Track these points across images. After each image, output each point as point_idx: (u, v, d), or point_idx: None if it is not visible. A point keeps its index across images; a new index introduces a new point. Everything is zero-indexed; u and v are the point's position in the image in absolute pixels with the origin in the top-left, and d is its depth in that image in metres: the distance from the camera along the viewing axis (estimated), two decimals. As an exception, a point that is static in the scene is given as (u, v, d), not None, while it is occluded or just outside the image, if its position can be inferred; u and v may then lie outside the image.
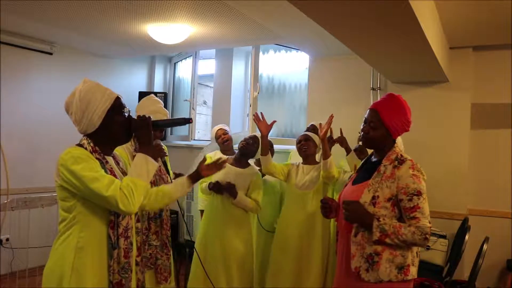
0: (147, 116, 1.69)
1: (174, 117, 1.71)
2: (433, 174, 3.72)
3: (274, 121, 2.95)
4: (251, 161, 3.71)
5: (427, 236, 1.77)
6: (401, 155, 1.90)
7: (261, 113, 2.95)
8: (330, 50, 4.12)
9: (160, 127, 1.77)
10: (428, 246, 3.57)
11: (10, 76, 4.30)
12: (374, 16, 2.22)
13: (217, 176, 3.05)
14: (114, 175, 1.61)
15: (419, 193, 1.80)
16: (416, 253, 1.88)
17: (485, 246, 2.71)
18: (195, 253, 3.14)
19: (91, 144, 1.62)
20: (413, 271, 1.83)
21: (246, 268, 3.09)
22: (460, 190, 3.74)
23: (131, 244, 1.65)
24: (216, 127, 3.78)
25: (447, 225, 3.71)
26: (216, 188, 3.02)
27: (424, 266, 3.46)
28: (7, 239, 4.19)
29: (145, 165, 1.60)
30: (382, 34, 2.55)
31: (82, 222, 1.56)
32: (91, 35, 4.30)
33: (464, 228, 3.37)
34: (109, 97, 1.63)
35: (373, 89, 4.16)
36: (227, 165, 3.11)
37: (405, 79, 3.89)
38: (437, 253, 3.54)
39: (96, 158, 1.59)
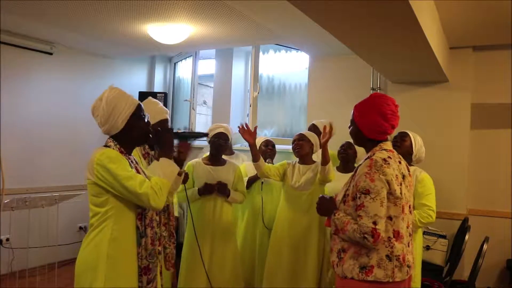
0: (170, 127, 1.94)
1: (194, 131, 1.97)
2: (433, 174, 3.73)
3: (256, 127, 3.07)
4: (246, 161, 3.71)
5: (366, 236, 1.73)
6: (374, 153, 1.88)
7: (245, 123, 3.01)
8: (330, 50, 4.12)
9: (180, 138, 2.03)
10: (428, 246, 3.57)
11: (10, 76, 4.30)
12: (374, 16, 2.22)
13: (201, 179, 3.03)
14: (138, 171, 1.81)
15: (366, 192, 1.77)
16: (388, 256, 1.78)
17: (485, 246, 2.72)
18: (185, 253, 3.12)
19: (117, 146, 1.79)
20: (378, 274, 1.77)
21: (236, 267, 3.11)
22: (460, 190, 3.74)
23: (156, 233, 1.85)
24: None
25: (447, 225, 3.71)
26: (208, 190, 3.00)
27: (424, 266, 3.46)
28: (7, 239, 4.19)
29: (169, 167, 1.81)
30: (382, 34, 2.55)
31: (115, 215, 1.73)
32: (91, 35, 4.30)
33: (464, 228, 3.37)
34: (132, 104, 1.81)
35: (373, 89, 4.16)
36: (206, 166, 3.09)
37: (405, 79, 3.89)
38: (437, 253, 3.54)
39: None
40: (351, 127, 2.01)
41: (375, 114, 1.89)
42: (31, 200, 3.54)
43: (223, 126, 3.16)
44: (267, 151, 3.54)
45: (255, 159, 3.02)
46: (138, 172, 1.80)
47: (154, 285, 1.82)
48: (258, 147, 3.54)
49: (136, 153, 2.37)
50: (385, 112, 1.89)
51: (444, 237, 3.61)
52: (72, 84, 4.87)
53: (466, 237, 3.12)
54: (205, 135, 2.10)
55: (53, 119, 4.69)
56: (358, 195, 1.80)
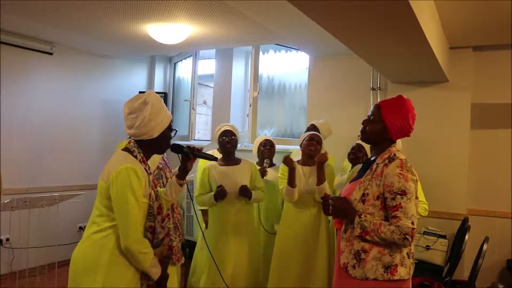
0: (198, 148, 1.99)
1: (206, 152, 2.07)
2: (433, 174, 3.75)
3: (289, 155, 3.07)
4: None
5: (407, 236, 1.74)
6: (394, 154, 1.89)
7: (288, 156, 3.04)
8: (330, 50, 4.12)
9: (198, 157, 2.06)
10: (428, 246, 3.57)
11: (10, 76, 4.30)
12: (374, 16, 2.22)
13: (218, 181, 3.03)
14: (155, 185, 1.85)
15: (403, 193, 1.77)
16: (407, 254, 1.83)
17: (485, 246, 2.71)
18: (196, 253, 3.12)
19: (141, 154, 1.81)
20: (401, 272, 1.80)
21: (257, 267, 3.13)
22: (460, 190, 3.74)
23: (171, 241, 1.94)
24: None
25: (447, 225, 3.71)
26: (221, 196, 2.98)
27: (424, 266, 3.47)
28: (7, 239, 4.19)
29: (155, 272, 1.80)
30: (382, 34, 2.55)
31: None
32: (91, 35, 4.30)
33: (464, 228, 3.37)
34: (169, 116, 1.88)
35: (373, 89, 4.16)
36: (222, 167, 3.09)
37: (405, 79, 3.89)
38: (437, 253, 3.54)
39: (144, 169, 1.79)
40: (373, 124, 1.95)
41: (409, 117, 1.91)
42: (31, 200, 3.54)
43: (227, 124, 3.19)
44: (265, 151, 3.52)
45: (291, 185, 2.96)
46: (155, 185, 1.85)
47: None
48: (257, 147, 3.54)
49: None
50: (414, 116, 1.94)
51: (444, 237, 3.61)
52: (72, 84, 4.87)
53: (466, 237, 3.11)
54: (215, 159, 2.18)
55: (53, 119, 4.69)
56: (392, 196, 1.78)
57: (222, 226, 3.06)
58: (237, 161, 3.15)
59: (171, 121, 1.91)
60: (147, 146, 1.84)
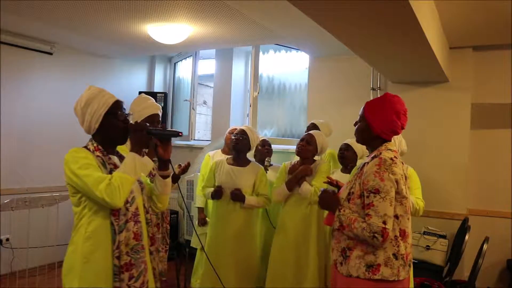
0: (143, 123, 1.85)
1: (168, 129, 1.75)
2: (433, 174, 3.75)
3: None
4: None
5: (376, 235, 1.73)
6: (381, 152, 1.87)
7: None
8: (330, 50, 4.12)
9: (152, 135, 1.83)
10: (428, 246, 3.57)
11: (10, 76, 4.30)
12: (374, 16, 2.22)
13: (220, 179, 3.05)
14: (115, 166, 1.80)
15: (376, 191, 1.77)
16: (394, 254, 1.79)
17: (485, 246, 2.72)
18: (198, 253, 3.10)
19: (94, 144, 1.80)
20: (385, 272, 1.77)
21: (253, 268, 3.11)
22: (460, 190, 3.74)
23: (142, 232, 1.81)
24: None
25: (447, 225, 3.71)
26: (219, 195, 3.00)
27: (424, 266, 3.47)
28: (7, 239, 4.18)
29: (133, 162, 1.72)
30: (382, 34, 2.55)
31: (88, 214, 1.73)
32: (91, 35, 4.30)
33: (464, 228, 3.37)
34: (105, 103, 1.79)
35: (373, 89, 4.16)
36: (228, 166, 3.10)
37: (405, 79, 3.89)
38: (437, 253, 3.54)
39: (97, 156, 1.77)
40: (359, 124, 1.98)
41: (390, 112, 1.88)
42: (31, 200, 3.54)
43: (246, 125, 3.21)
44: (264, 151, 3.53)
45: (290, 188, 2.94)
46: (114, 166, 1.79)
47: (142, 281, 1.75)
48: (254, 147, 3.53)
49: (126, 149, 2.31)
50: (399, 111, 1.90)
51: (444, 237, 3.61)
52: (72, 84, 4.87)
53: (466, 237, 3.12)
54: (178, 134, 1.85)
55: (53, 119, 4.69)
56: (367, 194, 1.79)
57: (220, 226, 3.06)
58: (245, 163, 3.11)
59: (114, 107, 1.78)
60: (101, 139, 1.80)
